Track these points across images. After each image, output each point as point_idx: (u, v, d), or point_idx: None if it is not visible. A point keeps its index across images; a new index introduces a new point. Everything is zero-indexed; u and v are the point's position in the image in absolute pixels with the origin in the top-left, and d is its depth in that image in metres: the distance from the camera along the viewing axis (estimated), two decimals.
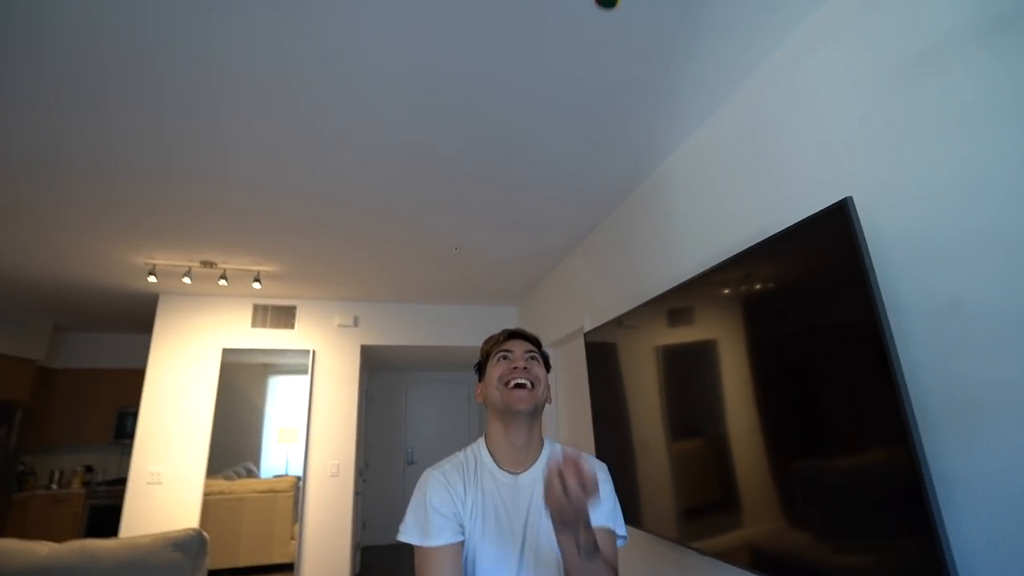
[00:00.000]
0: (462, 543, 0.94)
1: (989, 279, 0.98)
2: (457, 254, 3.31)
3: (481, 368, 1.12)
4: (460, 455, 1.07)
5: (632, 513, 2.05)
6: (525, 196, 2.51)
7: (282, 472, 4.08)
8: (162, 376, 3.89)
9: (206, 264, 3.36)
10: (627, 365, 2.22)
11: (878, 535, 1.06)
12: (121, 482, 3.93)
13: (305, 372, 4.19)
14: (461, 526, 0.95)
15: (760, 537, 1.41)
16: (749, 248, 1.46)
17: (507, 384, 1.01)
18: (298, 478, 4.00)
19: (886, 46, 1.22)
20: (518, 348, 1.08)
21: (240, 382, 4.14)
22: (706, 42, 1.51)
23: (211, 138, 1.94)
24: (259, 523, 3.95)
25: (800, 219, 1.26)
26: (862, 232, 1.08)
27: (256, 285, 3.63)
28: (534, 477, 1.01)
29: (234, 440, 4.05)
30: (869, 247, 1.09)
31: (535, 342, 1.13)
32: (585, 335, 2.66)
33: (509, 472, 1.02)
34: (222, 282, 3.52)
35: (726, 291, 1.57)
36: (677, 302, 1.84)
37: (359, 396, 4.30)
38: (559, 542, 0.79)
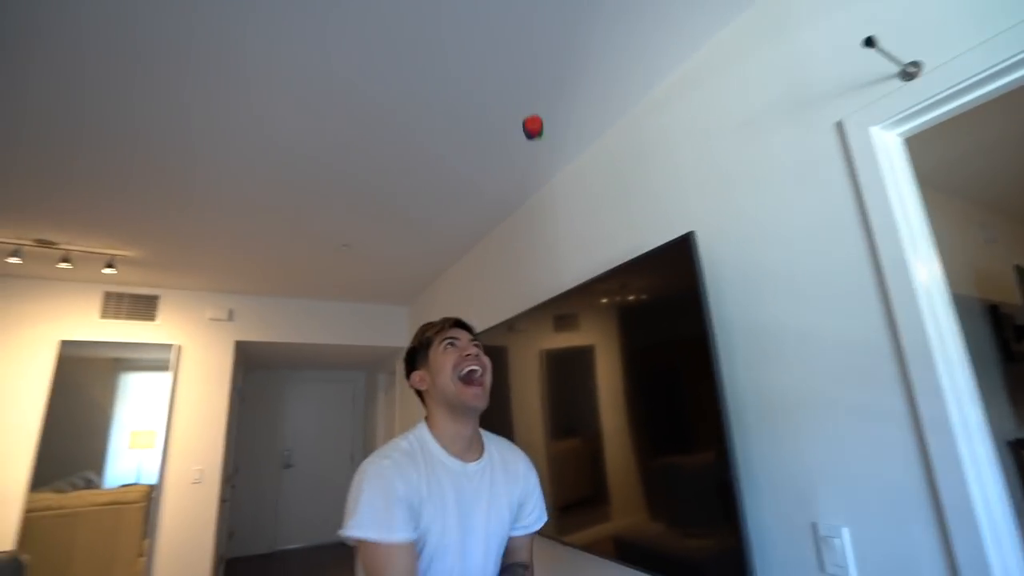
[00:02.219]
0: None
1: (787, 306, 1.21)
2: (346, 252, 3.22)
3: (414, 355, 1.10)
4: (403, 443, 1.00)
5: None
6: (418, 200, 2.52)
7: (133, 481, 3.63)
8: None
9: (42, 243, 2.90)
10: (514, 368, 2.33)
11: (711, 520, 1.25)
12: None
13: (166, 368, 3.77)
14: (418, 518, 0.90)
15: (626, 529, 1.57)
16: (617, 266, 1.63)
17: (462, 374, 1.01)
18: (152, 487, 3.59)
19: (725, 108, 1.45)
20: (463, 336, 1.08)
21: (83, 380, 3.61)
22: (588, 80, 1.66)
23: (57, 94, 1.70)
24: (99, 540, 3.47)
25: (658, 244, 1.45)
26: (699, 261, 1.28)
27: (109, 271, 3.20)
28: (483, 466, 1.04)
29: (72, 447, 3.52)
30: (706, 274, 1.29)
31: (474, 333, 1.14)
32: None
33: (460, 460, 1.01)
34: (64, 265, 3.05)
35: (603, 300, 1.73)
36: (562, 308, 1.98)
37: (231, 396, 3.97)
38: None
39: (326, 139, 1.96)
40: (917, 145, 1.12)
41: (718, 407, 1.18)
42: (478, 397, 1.01)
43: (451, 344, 1.05)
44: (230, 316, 4.05)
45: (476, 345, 1.08)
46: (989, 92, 0.96)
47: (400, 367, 4.68)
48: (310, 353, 4.96)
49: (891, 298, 1.01)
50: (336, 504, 6.15)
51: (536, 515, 1.13)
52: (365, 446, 6.20)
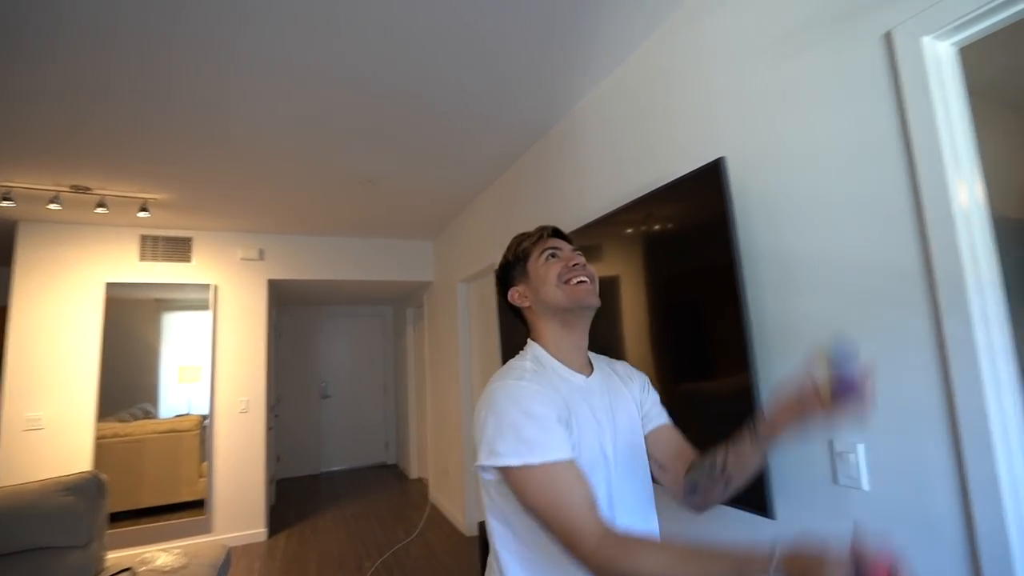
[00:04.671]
0: None
1: (818, 232, 1.20)
2: (370, 188, 3.22)
3: (510, 270, 1.00)
4: (526, 363, 0.91)
5: None
6: (440, 130, 2.48)
7: (184, 412, 3.94)
8: (31, 313, 3.49)
9: (78, 189, 2.98)
10: None
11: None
12: None
13: (205, 308, 3.96)
14: (568, 435, 0.81)
15: None
16: (643, 196, 1.61)
17: (568, 282, 0.92)
18: (203, 417, 3.89)
19: (759, 23, 1.35)
20: (564, 246, 0.97)
21: (131, 320, 3.83)
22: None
23: (78, 44, 1.69)
24: (163, 463, 3.83)
25: (686, 171, 1.42)
26: (729, 188, 1.25)
27: (143, 214, 3.30)
28: (601, 378, 0.96)
29: (127, 381, 3.80)
30: (735, 200, 1.27)
31: (573, 243, 1.02)
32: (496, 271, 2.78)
33: (582, 375, 0.93)
34: (100, 210, 3.15)
35: (629, 231, 1.73)
36: (586, 239, 1.98)
37: (268, 332, 4.17)
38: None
39: (347, 73, 1.92)
40: (972, 55, 1.04)
41: (743, 333, 1.21)
42: (590, 293, 0.92)
43: (553, 255, 0.95)
44: (261, 255, 4.17)
45: (579, 254, 0.97)
46: None
47: (431, 299, 4.80)
48: (339, 289, 5.12)
49: (927, 222, 0.99)
50: (372, 431, 6.57)
51: (659, 408, 1.04)
52: (397, 378, 6.52)
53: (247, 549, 3.77)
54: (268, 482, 4.19)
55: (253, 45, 1.73)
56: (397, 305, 6.59)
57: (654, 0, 1.60)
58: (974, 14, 0.94)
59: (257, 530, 3.93)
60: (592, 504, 0.74)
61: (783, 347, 1.27)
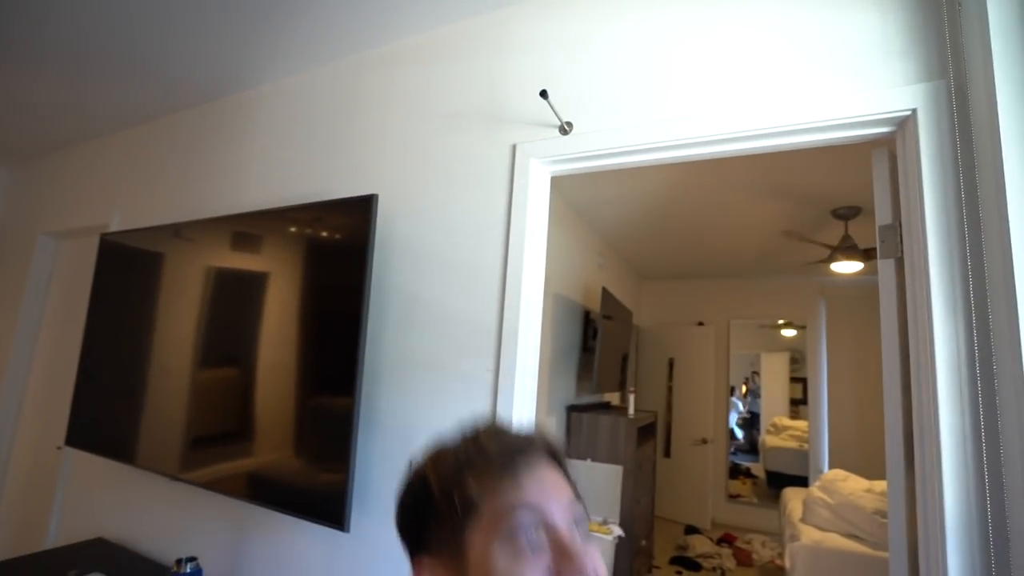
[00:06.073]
0: None
1: (438, 284, 1.43)
2: None
3: (422, 515, 0.49)
4: None
5: (128, 449, 1.88)
6: (79, 43, 1.83)
7: None
8: None
9: None
10: (169, 280, 1.97)
11: (339, 456, 1.36)
12: None
13: None
14: None
15: (267, 466, 1.53)
16: (304, 203, 1.58)
17: None
18: None
19: (437, 95, 1.57)
20: (556, 508, 0.47)
21: None
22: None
23: None
24: None
25: (349, 195, 1.48)
26: (375, 224, 1.38)
27: None
28: None
29: None
30: (383, 237, 1.40)
31: (571, 478, 0.52)
32: (107, 235, 2.19)
33: None
34: None
35: (290, 232, 1.63)
36: (244, 228, 1.77)
37: None
38: None
39: None
40: (577, 181, 1.47)
41: (355, 358, 1.32)
42: None
43: (529, 540, 0.44)
44: None
45: (585, 533, 0.49)
46: (606, 164, 1.34)
47: None
48: None
49: (507, 291, 1.32)
50: None
51: None
52: None
53: None
54: None
55: None
56: None
57: (362, 28, 1.64)
58: (563, 157, 1.34)
59: None
60: None
61: (392, 375, 1.44)
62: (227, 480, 1.61)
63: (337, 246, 1.49)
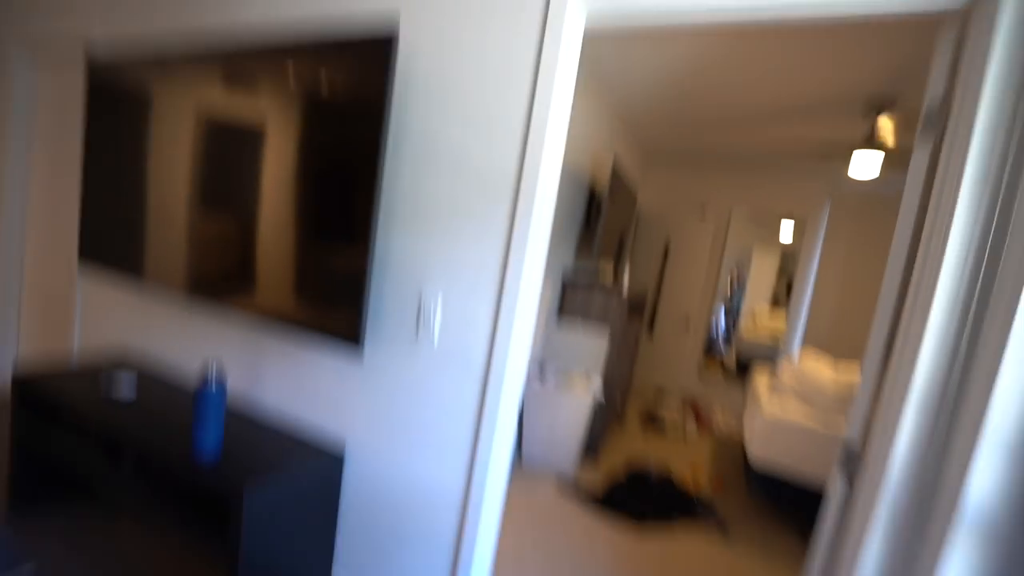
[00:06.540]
0: None
1: (457, 126, 1.38)
2: None
3: None
4: None
5: (137, 263, 1.92)
6: None
7: None
8: None
9: None
10: (161, 118, 1.86)
11: (348, 298, 1.42)
12: None
13: None
14: None
15: (269, 298, 1.60)
16: (311, 43, 1.43)
17: None
18: None
19: None
20: None
21: None
22: None
23: None
24: None
25: (368, 22, 1.35)
26: (394, 69, 1.29)
27: None
28: None
29: None
30: (400, 72, 1.33)
31: None
32: (93, 59, 2.02)
33: None
34: None
35: (289, 71, 1.50)
36: (239, 65, 1.63)
37: None
38: None
39: None
40: (597, 43, 1.34)
41: (371, 208, 1.34)
42: None
43: None
44: None
45: None
46: (649, 16, 1.21)
47: None
48: None
49: (529, 142, 1.28)
50: None
51: None
52: None
53: None
54: None
55: None
56: None
57: None
58: None
59: None
60: None
61: (407, 220, 1.46)
62: (248, 305, 1.67)
63: (350, 92, 1.39)
